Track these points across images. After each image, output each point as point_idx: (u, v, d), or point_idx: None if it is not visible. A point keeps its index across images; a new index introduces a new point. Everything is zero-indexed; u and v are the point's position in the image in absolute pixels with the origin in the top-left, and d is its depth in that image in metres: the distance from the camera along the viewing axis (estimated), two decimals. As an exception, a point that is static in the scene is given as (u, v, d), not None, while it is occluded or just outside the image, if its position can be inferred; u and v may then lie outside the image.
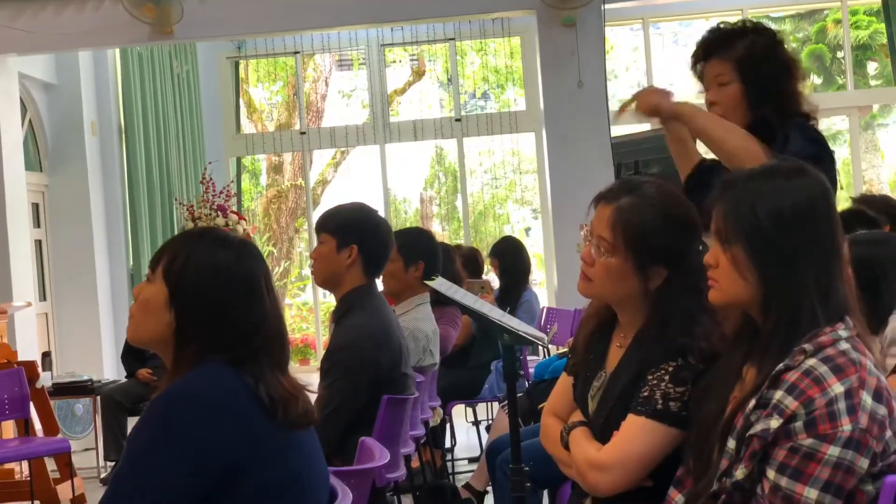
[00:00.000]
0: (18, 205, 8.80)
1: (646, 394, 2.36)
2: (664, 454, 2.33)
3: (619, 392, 2.44)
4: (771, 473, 1.94)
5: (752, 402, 2.00)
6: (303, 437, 2.13)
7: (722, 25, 3.23)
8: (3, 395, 6.09)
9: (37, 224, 9.65)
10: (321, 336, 11.88)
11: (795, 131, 3.06)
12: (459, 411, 7.38)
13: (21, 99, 9.21)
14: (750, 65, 3.11)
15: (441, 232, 13.85)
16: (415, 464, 4.83)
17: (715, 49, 3.20)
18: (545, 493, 3.98)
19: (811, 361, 1.96)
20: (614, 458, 2.35)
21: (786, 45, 3.17)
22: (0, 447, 5.99)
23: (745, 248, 2.07)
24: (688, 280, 2.41)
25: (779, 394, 1.95)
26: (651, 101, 3.12)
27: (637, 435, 2.34)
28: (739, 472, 1.99)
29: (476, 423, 7.46)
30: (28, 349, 8.22)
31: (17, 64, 8.94)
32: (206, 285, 2.09)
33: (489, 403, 7.40)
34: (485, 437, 6.99)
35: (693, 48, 3.30)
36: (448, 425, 6.55)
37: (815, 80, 13.57)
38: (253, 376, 2.04)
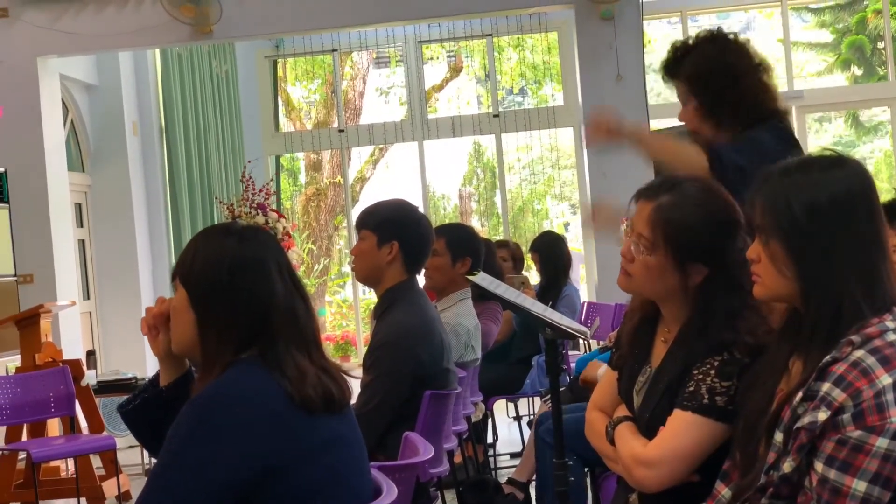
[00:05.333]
0: (61, 205, 8.89)
1: (691, 389, 2.35)
2: (711, 449, 2.32)
3: (665, 387, 2.43)
4: (819, 466, 1.93)
5: (800, 395, 1.98)
6: (345, 433, 2.14)
7: (676, 44, 3.29)
8: (49, 393, 6.15)
9: (80, 224, 9.75)
10: (361, 333, 11.91)
11: (730, 144, 3.09)
12: (500, 406, 7.38)
13: (63, 100, 9.30)
14: (698, 80, 3.18)
15: (480, 228, 13.84)
16: (457, 459, 4.83)
17: (670, 70, 3.28)
18: (589, 482, 3.97)
19: (858, 353, 1.95)
20: (661, 453, 2.34)
21: (736, 50, 3.20)
22: (46, 445, 6.06)
23: (782, 244, 2.05)
24: (729, 277, 2.39)
25: (826, 386, 1.94)
26: (609, 124, 3.11)
27: (683, 430, 2.33)
28: (787, 466, 1.98)
29: (518, 418, 7.47)
30: (73, 347, 8.30)
31: (58, 65, 9.03)
32: (213, 273, 2.13)
33: (530, 398, 7.40)
34: (526, 432, 6.99)
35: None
36: (490, 421, 6.56)
37: (856, 70, 13.46)
38: (279, 370, 2.05)
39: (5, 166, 8.14)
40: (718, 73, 3.17)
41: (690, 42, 3.26)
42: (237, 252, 2.15)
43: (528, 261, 8.11)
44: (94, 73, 9.83)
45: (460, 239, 5.09)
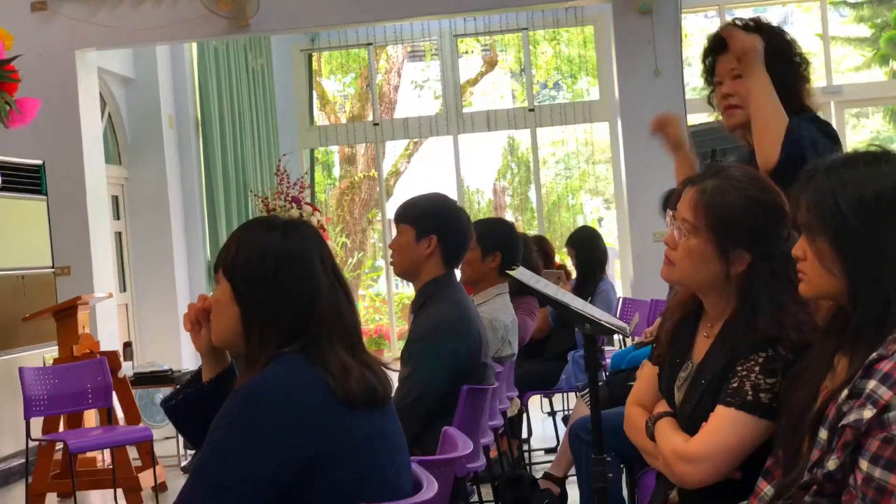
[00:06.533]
0: (99, 197, 8.96)
1: (735, 385, 2.34)
2: (754, 446, 2.31)
3: (708, 383, 2.42)
4: (864, 464, 1.91)
5: (845, 392, 1.96)
6: (386, 427, 2.14)
7: (738, 22, 3.31)
8: (86, 385, 6.19)
9: (116, 216, 9.82)
10: (395, 327, 11.93)
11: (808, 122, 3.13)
12: (535, 402, 7.37)
13: (100, 93, 9.36)
14: (767, 58, 3.15)
15: (514, 223, 13.84)
16: (492, 454, 4.83)
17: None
18: (624, 476, 3.95)
19: (905, 351, 1.93)
20: (704, 449, 2.33)
21: (796, 48, 3.27)
22: (84, 436, 6.09)
23: (829, 241, 2.03)
24: (774, 267, 2.37)
25: (872, 383, 1.92)
26: (748, 44, 3.09)
27: (727, 427, 2.32)
28: (831, 463, 1.96)
29: (552, 413, 7.46)
30: (110, 339, 8.37)
31: (96, 59, 9.09)
32: (258, 268, 2.13)
33: (565, 394, 7.38)
34: (561, 427, 6.98)
35: (710, 41, 3.37)
36: (525, 416, 6.55)
37: (895, 66, 13.34)
38: (322, 365, 2.05)
39: (43, 159, 8.19)
40: (787, 59, 3.21)
41: (755, 23, 3.28)
42: (282, 246, 2.14)
43: (562, 255, 8.07)
44: (132, 66, 9.89)
45: (490, 234, 5.07)
